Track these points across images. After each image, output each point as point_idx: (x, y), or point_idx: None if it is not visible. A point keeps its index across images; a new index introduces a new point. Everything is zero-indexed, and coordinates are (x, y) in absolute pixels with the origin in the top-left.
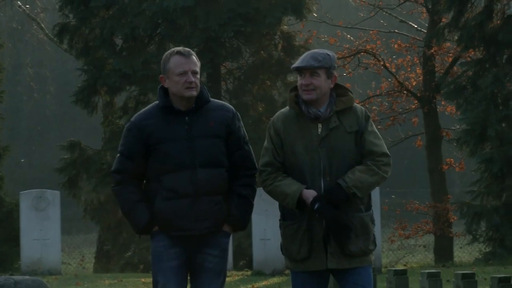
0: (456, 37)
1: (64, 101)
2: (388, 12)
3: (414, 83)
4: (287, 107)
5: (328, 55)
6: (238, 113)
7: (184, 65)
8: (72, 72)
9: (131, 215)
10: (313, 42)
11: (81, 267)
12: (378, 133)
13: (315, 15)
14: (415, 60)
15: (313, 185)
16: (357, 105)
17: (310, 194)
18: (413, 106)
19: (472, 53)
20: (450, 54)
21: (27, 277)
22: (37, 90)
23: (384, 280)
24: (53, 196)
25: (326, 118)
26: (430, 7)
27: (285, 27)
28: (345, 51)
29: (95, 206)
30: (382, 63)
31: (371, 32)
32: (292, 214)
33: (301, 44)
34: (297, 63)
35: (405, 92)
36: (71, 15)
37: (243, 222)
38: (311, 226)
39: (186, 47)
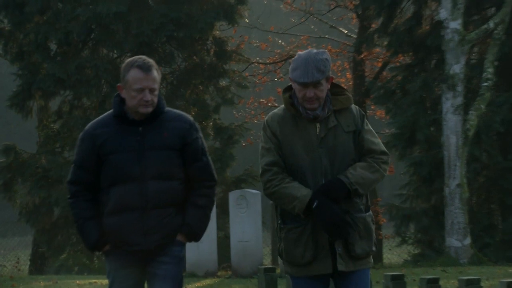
0: (385, 43)
1: None
2: (319, 18)
3: (345, 87)
4: (280, 107)
5: (327, 60)
6: (197, 124)
7: (142, 81)
8: (6, 77)
9: (82, 232)
10: (245, 47)
11: (17, 269)
12: (374, 131)
13: (247, 20)
14: (345, 65)
15: (315, 185)
16: (353, 105)
17: None
18: None
19: (401, 58)
20: (380, 59)
21: None
22: None
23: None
24: None
25: (324, 118)
26: (360, 13)
27: (217, 32)
28: (277, 56)
29: (30, 209)
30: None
31: (302, 37)
32: (295, 217)
33: (233, 49)
34: (301, 77)
35: None
36: (5, 20)
37: (197, 233)
38: (316, 229)
39: (119, 52)
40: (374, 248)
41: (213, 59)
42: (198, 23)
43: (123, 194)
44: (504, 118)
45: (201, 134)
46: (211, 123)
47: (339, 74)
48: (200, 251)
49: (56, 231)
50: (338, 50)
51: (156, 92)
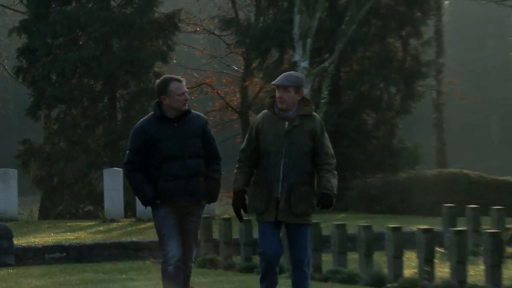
0: (261, 75)
1: (20, 114)
2: (219, 59)
3: (235, 103)
4: (265, 110)
5: (298, 77)
6: (207, 120)
7: (182, 88)
8: (24, 96)
9: (141, 192)
10: None
11: (30, 216)
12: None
13: (174, 61)
14: (236, 89)
15: (275, 164)
16: (316, 114)
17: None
18: (235, 117)
19: (270, 85)
20: (257, 86)
21: None
22: (2, 107)
23: (217, 224)
24: (13, 173)
25: (292, 119)
26: (245, 56)
27: (156, 68)
28: (193, 83)
29: (39, 179)
30: (216, 90)
31: (209, 71)
32: (260, 182)
33: None
34: (275, 81)
35: (230, 108)
36: (24, 61)
37: (215, 197)
38: (270, 191)
39: (95, 81)
40: (310, 211)
41: (154, 85)
42: (144, 63)
43: (173, 168)
44: (334, 122)
45: (210, 127)
46: None
47: (232, 95)
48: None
49: (55, 192)
50: (231, 80)
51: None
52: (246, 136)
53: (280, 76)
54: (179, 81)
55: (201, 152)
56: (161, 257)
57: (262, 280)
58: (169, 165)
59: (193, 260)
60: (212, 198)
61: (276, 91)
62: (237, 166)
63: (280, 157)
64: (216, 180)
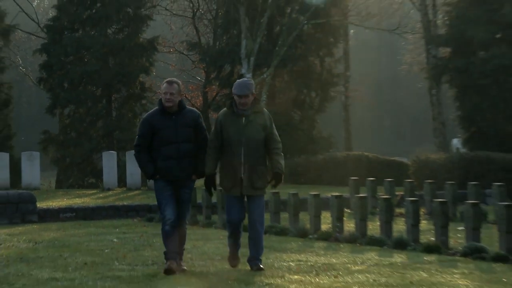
0: (217, 84)
1: (41, 112)
2: (187, 72)
3: (199, 104)
4: (225, 108)
5: (252, 84)
6: (201, 114)
7: (166, 89)
8: (44, 99)
9: (145, 169)
10: (153, 85)
11: (49, 186)
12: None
13: (154, 73)
14: (199, 94)
15: (237, 151)
16: (266, 110)
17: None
18: None
19: (225, 91)
20: (215, 91)
21: (24, 191)
22: (28, 107)
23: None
24: (36, 154)
25: (248, 115)
26: (206, 70)
27: (141, 79)
28: None
29: (55, 159)
30: (184, 95)
31: (180, 81)
32: (226, 166)
33: (149, 86)
34: (238, 91)
35: (194, 108)
36: (44, 73)
37: (203, 173)
38: (234, 172)
39: (96, 88)
40: (266, 184)
41: (140, 91)
42: (132, 75)
43: (169, 150)
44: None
45: (202, 119)
46: (138, 121)
47: (196, 98)
48: (133, 178)
49: (67, 169)
50: (195, 87)
51: (175, 95)
52: (213, 130)
53: (240, 87)
54: (168, 83)
55: (192, 139)
56: (159, 218)
57: (229, 237)
58: (166, 148)
59: (187, 221)
60: (202, 174)
61: (237, 97)
62: (208, 153)
63: (241, 145)
64: (203, 159)
